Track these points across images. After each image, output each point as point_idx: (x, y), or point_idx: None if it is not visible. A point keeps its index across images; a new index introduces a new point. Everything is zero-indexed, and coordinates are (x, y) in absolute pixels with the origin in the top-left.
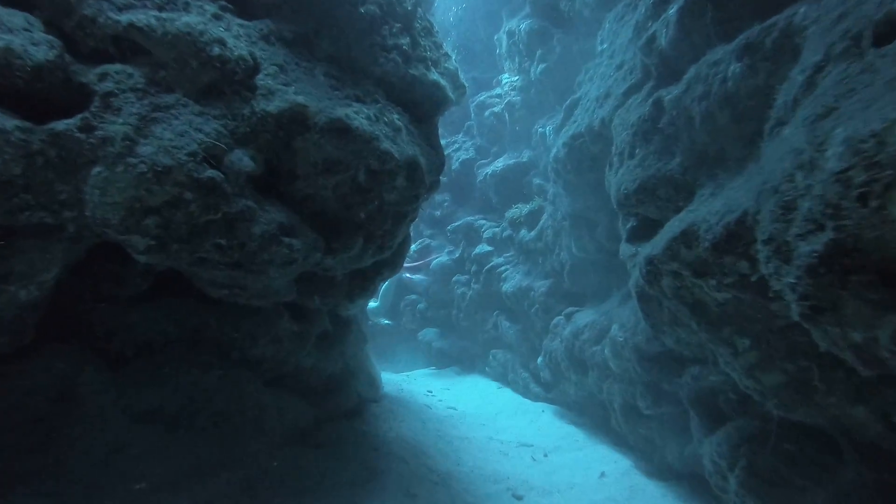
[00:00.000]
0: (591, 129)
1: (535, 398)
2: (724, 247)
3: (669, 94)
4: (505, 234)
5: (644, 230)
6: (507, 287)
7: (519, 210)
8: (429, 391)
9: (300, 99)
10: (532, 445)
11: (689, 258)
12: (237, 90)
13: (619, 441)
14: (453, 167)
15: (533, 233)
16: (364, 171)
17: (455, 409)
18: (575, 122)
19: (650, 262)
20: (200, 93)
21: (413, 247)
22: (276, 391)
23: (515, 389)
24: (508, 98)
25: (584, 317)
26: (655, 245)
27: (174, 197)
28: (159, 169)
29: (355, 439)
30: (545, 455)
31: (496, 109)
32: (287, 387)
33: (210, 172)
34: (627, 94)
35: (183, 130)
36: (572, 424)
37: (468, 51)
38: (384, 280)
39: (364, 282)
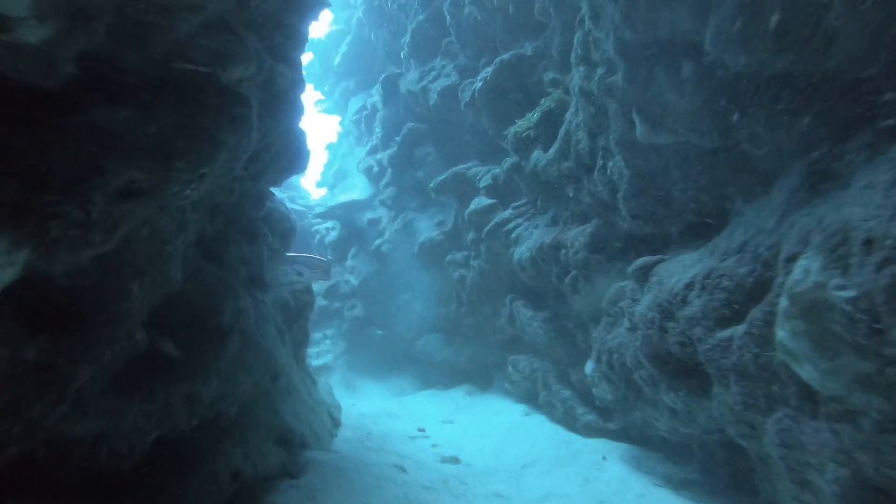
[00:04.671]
0: None
1: (588, 431)
2: None
3: None
4: (509, 165)
5: None
6: (520, 252)
7: (527, 120)
8: (419, 430)
9: None
10: None
11: None
12: None
13: None
14: (431, 102)
15: (552, 149)
16: None
17: (457, 460)
18: None
19: None
20: None
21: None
22: None
23: (552, 416)
24: None
25: (681, 269)
26: None
27: None
28: None
29: None
30: None
31: None
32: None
33: None
34: None
35: None
36: (668, 485)
37: None
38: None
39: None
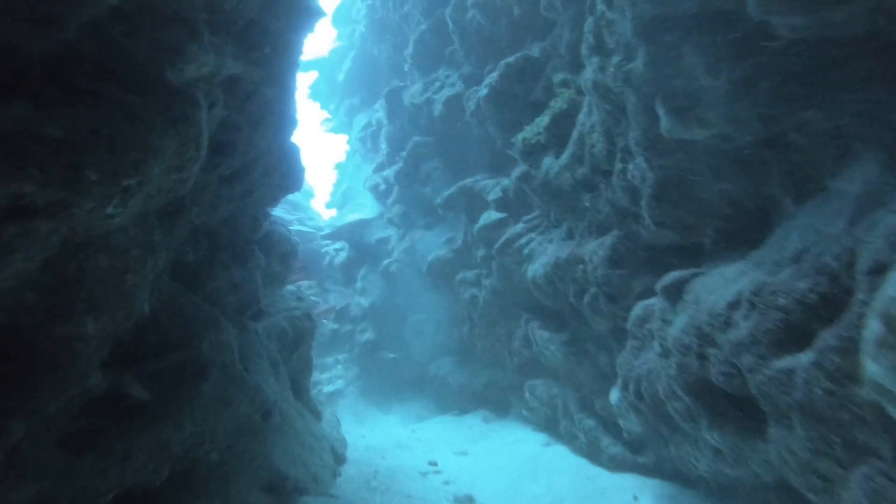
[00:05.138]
0: None
1: (614, 465)
2: None
3: None
4: (519, 175)
5: None
6: (534, 269)
7: (536, 125)
8: (431, 464)
9: None
10: None
11: None
12: None
13: None
14: (436, 113)
15: (565, 154)
16: None
17: (471, 499)
18: None
19: None
20: None
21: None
22: None
23: (574, 448)
24: None
25: (721, 284)
26: None
27: None
28: None
29: None
30: None
31: None
32: None
33: None
34: None
35: None
36: None
37: None
38: None
39: None
